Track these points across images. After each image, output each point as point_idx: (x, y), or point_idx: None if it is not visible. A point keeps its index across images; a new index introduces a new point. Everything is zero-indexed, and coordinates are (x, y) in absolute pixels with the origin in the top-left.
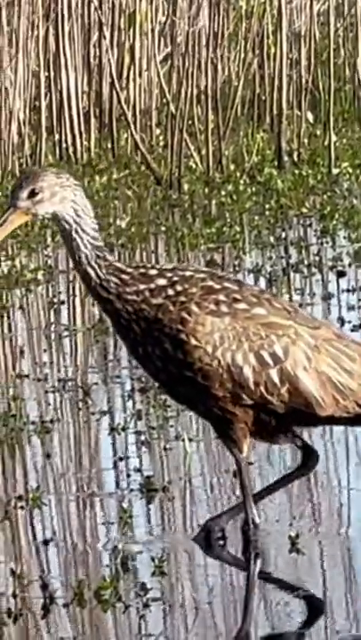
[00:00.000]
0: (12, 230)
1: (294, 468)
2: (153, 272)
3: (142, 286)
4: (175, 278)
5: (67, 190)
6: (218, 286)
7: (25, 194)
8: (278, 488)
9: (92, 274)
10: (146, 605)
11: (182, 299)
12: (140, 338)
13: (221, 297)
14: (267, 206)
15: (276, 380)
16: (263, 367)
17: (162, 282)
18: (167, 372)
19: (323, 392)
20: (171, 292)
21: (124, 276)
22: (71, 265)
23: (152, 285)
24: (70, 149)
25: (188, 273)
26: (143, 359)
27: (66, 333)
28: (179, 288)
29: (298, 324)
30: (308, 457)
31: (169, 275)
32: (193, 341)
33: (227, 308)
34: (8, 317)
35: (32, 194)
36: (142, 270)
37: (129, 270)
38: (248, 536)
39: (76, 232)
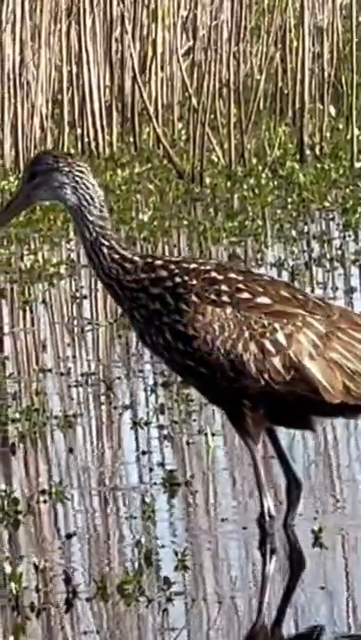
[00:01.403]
0: (15, 215)
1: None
2: (158, 263)
3: (143, 275)
4: (177, 270)
5: (67, 176)
6: (221, 277)
7: (26, 177)
8: None
9: (96, 260)
10: (169, 600)
11: (180, 290)
12: (144, 326)
13: (223, 287)
14: (289, 200)
15: (280, 367)
16: (265, 355)
17: (163, 273)
18: (175, 363)
19: (332, 379)
20: (169, 283)
21: (127, 265)
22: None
23: (153, 275)
24: (92, 143)
25: (193, 265)
26: (152, 347)
27: (88, 327)
28: (178, 280)
29: (308, 313)
30: (292, 488)
31: (172, 267)
32: (191, 331)
33: (228, 298)
34: (31, 312)
35: (31, 177)
36: (149, 260)
37: (135, 259)
38: (264, 529)
39: (81, 218)
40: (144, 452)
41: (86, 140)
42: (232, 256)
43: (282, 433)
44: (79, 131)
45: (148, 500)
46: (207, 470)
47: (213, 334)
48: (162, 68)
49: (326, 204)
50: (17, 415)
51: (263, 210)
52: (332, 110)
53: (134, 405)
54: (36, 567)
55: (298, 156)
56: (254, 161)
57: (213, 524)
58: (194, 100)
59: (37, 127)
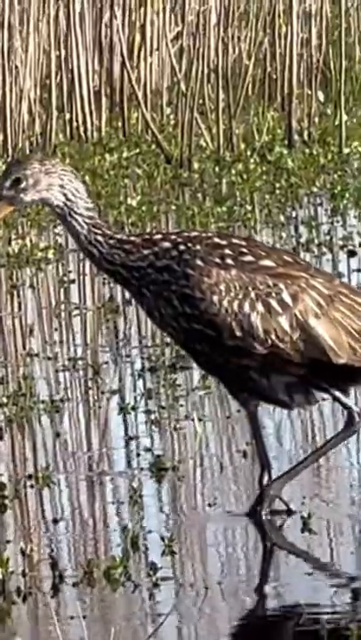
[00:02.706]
0: None
1: (337, 432)
2: (157, 237)
3: (146, 251)
4: (179, 240)
5: (52, 176)
6: (224, 242)
7: (8, 183)
8: (324, 453)
9: (95, 251)
10: (155, 585)
11: (186, 257)
12: (153, 302)
13: (227, 251)
14: (277, 185)
15: (287, 327)
16: (271, 314)
17: (166, 244)
18: (183, 331)
19: (337, 339)
20: (175, 252)
21: (127, 246)
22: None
23: (156, 249)
24: (81, 128)
25: (193, 234)
26: (160, 322)
27: (76, 312)
28: (182, 247)
29: (311, 276)
30: (351, 417)
31: (173, 237)
32: (198, 294)
33: (232, 261)
34: (18, 296)
35: (16, 183)
36: (146, 236)
37: (132, 239)
38: (266, 490)
39: (70, 215)
40: (131, 437)
41: (75, 124)
42: None
43: (269, 419)
44: (68, 115)
45: (135, 485)
46: (194, 455)
47: (220, 295)
48: (151, 53)
49: (314, 189)
50: (4, 400)
51: (251, 195)
52: (321, 96)
53: (122, 390)
54: (22, 552)
55: (286, 142)
56: (243, 146)
57: (201, 510)
58: (182, 85)
59: (25, 112)
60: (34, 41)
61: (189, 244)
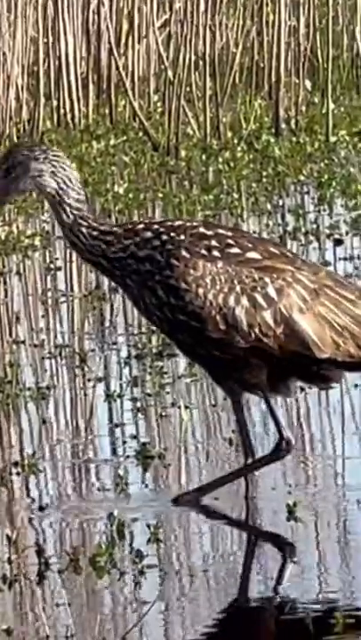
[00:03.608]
0: None
1: (267, 454)
2: (140, 227)
3: (128, 242)
4: (161, 229)
5: (44, 163)
6: (210, 232)
7: (1, 174)
8: (245, 474)
9: (78, 242)
10: (141, 572)
11: (169, 247)
12: (137, 292)
13: (213, 242)
14: (264, 173)
15: (271, 321)
16: (256, 309)
17: (148, 234)
18: (167, 321)
19: (321, 334)
20: (156, 242)
21: (108, 238)
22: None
23: (137, 239)
24: (68, 115)
25: (177, 223)
26: (146, 312)
27: (63, 299)
28: (165, 237)
29: (296, 269)
30: (281, 443)
31: (155, 227)
32: (183, 285)
33: (218, 253)
34: (5, 283)
35: (7, 172)
36: (129, 226)
37: (114, 230)
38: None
39: (59, 204)
40: (117, 425)
41: (62, 111)
42: None
43: (255, 406)
44: (55, 102)
45: (121, 472)
46: (180, 443)
47: (205, 288)
48: (138, 41)
49: (301, 177)
50: None
51: (238, 183)
52: (308, 84)
53: (108, 378)
54: (8, 539)
55: (273, 130)
56: (230, 134)
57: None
58: (170, 73)
59: (13, 98)
60: (21, 27)
61: (173, 234)
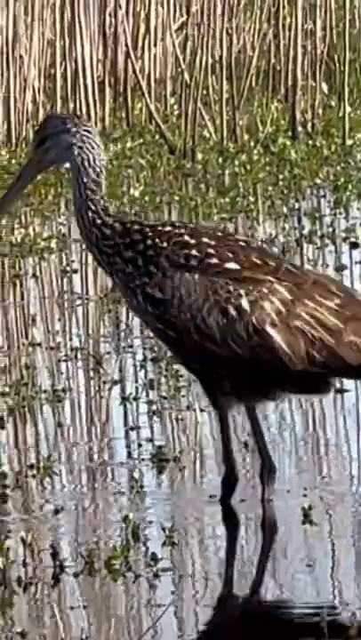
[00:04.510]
0: (30, 181)
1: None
2: (135, 227)
3: (119, 240)
4: (150, 233)
5: (74, 136)
6: (193, 241)
7: (35, 144)
8: None
9: (81, 222)
10: (156, 575)
11: (150, 253)
12: (123, 289)
13: (194, 252)
14: (280, 177)
15: (243, 333)
16: (229, 321)
17: (137, 237)
18: (147, 325)
19: (294, 346)
20: (141, 246)
21: (106, 230)
22: None
23: (127, 240)
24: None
25: (167, 228)
26: (132, 310)
27: (78, 302)
28: (149, 242)
29: (277, 279)
30: (265, 471)
31: (147, 230)
32: (159, 294)
33: (197, 263)
34: (21, 285)
35: (40, 142)
36: (127, 225)
37: (114, 225)
38: (228, 489)
39: (76, 180)
40: (133, 428)
41: (78, 114)
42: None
43: (269, 410)
44: (71, 105)
45: (136, 475)
46: (196, 446)
47: (180, 298)
48: (155, 44)
49: (318, 180)
50: (6, 389)
51: (255, 186)
52: (325, 87)
53: (123, 380)
54: (23, 542)
55: (290, 133)
56: (246, 137)
57: (201, 500)
58: (186, 76)
59: (30, 101)
60: (38, 30)
61: (157, 240)
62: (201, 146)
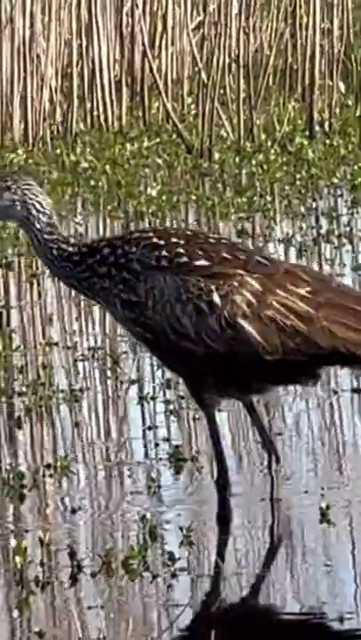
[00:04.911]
0: None
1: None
2: (102, 244)
3: (90, 260)
4: (118, 243)
5: (15, 192)
6: (162, 242)
7: None
8: None
9: (50, 264)
10: (173, 575)
11: (122, 260)
12: (105, 305)
13: (164, 252)
14: (297, 176)
15: (216, 327)
16: (201, 316)
17: (106, 250)
18: (132, 334)
19: (267, 336)
20: (112, 258)
21: (75, 258)
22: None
23: (97, 256)
24: (101, 117)
25: (135, 235)
26: (118, 321)
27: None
28: (119, 252)
29: (247, 272)
30: (272, 463)
31: (115, 241)
32: (134, 298)
33: (167, 263)
34: (38, 285)
35: None
36: (94, 245)
37: (77, 250)
38: (222, 491)
39: (30, 230)
40: (150, 427)
41: (95, 113)
42: (241, 232)
43: (288, 410)
44: (88, 104)
45: (153, 475)
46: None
47: (153, 299)
48: (172, 43)
49: (335, 180)
50: (23, 389)
51: (272, 186)
52: (342, 87)
53: (140, 380)
54: (40, 541)
55: (307, 132)
56: (263, 137)
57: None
58: (203, 75)
59: (47, 100)
60: (55, 30)
61: (126, 247)
62: (218, 145)
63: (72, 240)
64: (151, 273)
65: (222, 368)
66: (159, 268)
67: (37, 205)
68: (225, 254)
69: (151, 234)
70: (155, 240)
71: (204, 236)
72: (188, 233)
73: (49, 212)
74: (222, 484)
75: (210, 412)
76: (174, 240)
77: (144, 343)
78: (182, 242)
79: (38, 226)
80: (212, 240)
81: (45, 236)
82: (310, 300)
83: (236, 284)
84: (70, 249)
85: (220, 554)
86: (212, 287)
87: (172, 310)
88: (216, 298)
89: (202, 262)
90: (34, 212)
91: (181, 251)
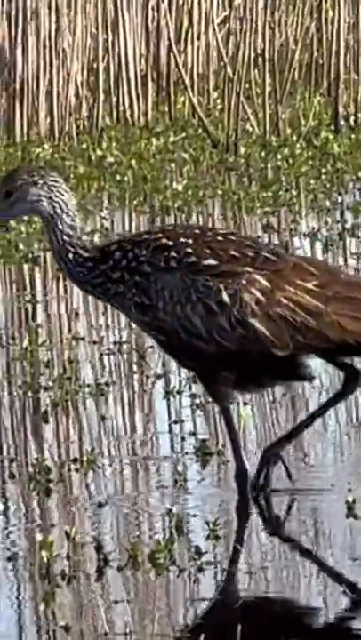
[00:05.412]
0: None
1: (335, 393)
2: (113, 247)
3: (103, 266)
4: (129, 247)
5: (42, 188)
6: (171, 243)
7: (0, 196)
8: (321, 414)
9: (64, 266)
10: (200, 569)
11: (133, 264)
12: (121, 309)
13: (173, 253)
14: (323, 170)
15: (227, 326)
16: (212, 316)
17: (117, 255)
18: (150, 337)
19: (278, 333)
20: (124, 262)
21: (89, 264)
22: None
23: (110, 262)
24: (127, 112)
25: (144, 237)
26: (136, 325)
27: None
28: (130, 255)
29: (255, 269)
30: (350, 378)
31: (125, 244)
32: (146, 301)
33: (176, 264)
34: (64, 280)
35: (7, 195)
36: (106, 249)
37: (94, 255)
38: (241, 486)
39: (52, 229)
40: (176, 421)
41: (121, 108)
42: (266, 227)
43: (315, 404)
44: (114, 99)
45: (179, 469)
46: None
47: (164, 301)
48: (198, 38)
49: (360, 174)
50: (49, 383)
51: (297, 180)
52: None
53: (167, 374)
54: (67, 535)
55: (332, 127)
56: (289, 131)
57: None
58: (229, 70)
59: (72, 95)
60: (81, 24)
61: (136, 250)
62: (244, 140)
63: (88, 245)
64: (161, 274)
65: (235, 365)
66: (168, 269)
67: (62, 205)
68: (233, 252)
69: (160, 235)
70: (163, 241)
71: (213, 232)
72: (197, 231)
73: (72, 214)
74: (241, 478)
75: (224, 404)
76: (182, 240)
77: (158, 344)
78: (191, 241)
79: (60, 226)
80: (220, 237)
81: (65, 238)
82: (319, 293)
83: (244, 282)
84: (85, 254)
85: (246, 548)
86: (221, 286)
87: (182, 310)
88: (225, 297)
89: (210, 261)
90: (58, 210)
91: (190, 250)
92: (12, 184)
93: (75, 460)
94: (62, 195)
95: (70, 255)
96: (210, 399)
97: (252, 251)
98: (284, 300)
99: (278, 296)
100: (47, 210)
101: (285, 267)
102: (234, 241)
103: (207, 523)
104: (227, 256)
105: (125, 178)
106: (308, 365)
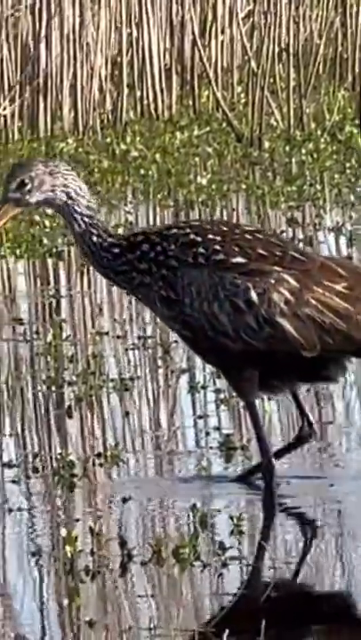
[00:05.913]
0: (4, 223)
1: (292, 439)
2: (140, 238)
3: (130, 256)
4: (157, 240)
5: (57, 177)
6: (199, 239)
7: (14, 185)
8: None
9: (88, 251)
10: (224, 564)
11: (161, 258)
12: (145, 301)
13: (200, 249)
14: (347, 165)
15: (254, 325)
16: (239, 314)
17: (145, 247)
18: (172, 330)
19: (306, 334)
20: (152, 254)
21: (115, 250)
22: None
23: (138, 252)
24: (151, 106)
25: (173, 231)
26: (160, 318)
27: None
28: (158, 248)
29: (283, 268)
30: (304, 426)
31: (152, 237)
32: (173, 295)
33: (204, 261)
34: (88, 274)
35: (21, 185)
36: (132, 239)
37: (120, 242)
38: (268, 479)
39: (71, 214)
40: (200, 416)
41: (145, 102)
42: (290, 221)
43: (338, 399)
44: (138, 93)
45: (204, 463)
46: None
47: (191, 297)
48: (222, 32)
49: None
50: (73, 378)
51: (322, 174)
52: None
53: (191, 369)
54: (91, 530)
55: (357, 121)
56: (313, 125)
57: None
58: (253, 64)
59: (96, 89)
60: (105, 18)
61: (165, 244)
62: (268, 134)
63: (111, 231)
64: (188, 270)
65: (260, 364)
66: (196, 265)
67: (78, 189)
68: (261, 250)
69: (188, 230)
70: (192, 237)
71: (241, 230)
72: (224, 228)
73: (88, 197)
74: (268, 472)
75: (250, 400)
76: (211, 236)
77: (182, 339)
78: (219, 238)
79: (79, 209)
80: (247, 235)
81: (86, 219)
82: (347, 295)
83: (272, 281)
84: (110, 239)
85: (271, 543)
86: (249, 285)
87: (209, 307)
88: (253, 296)
89: (238, 259)
90: (74, 195)
91: (218, 247)
92: (26, 174)
93: (99, 455)
94: (75, 181)
95: (94, 238)
96: (234, 394)
97: (280, 249)
98: (313, 301)
99: (307, 296)
100: (62, 198)
101: (313, 267)
102: (261, 239)
103: (231, 518)
104: (255, 254)
105: (149, 172)
106: (334, 366)
